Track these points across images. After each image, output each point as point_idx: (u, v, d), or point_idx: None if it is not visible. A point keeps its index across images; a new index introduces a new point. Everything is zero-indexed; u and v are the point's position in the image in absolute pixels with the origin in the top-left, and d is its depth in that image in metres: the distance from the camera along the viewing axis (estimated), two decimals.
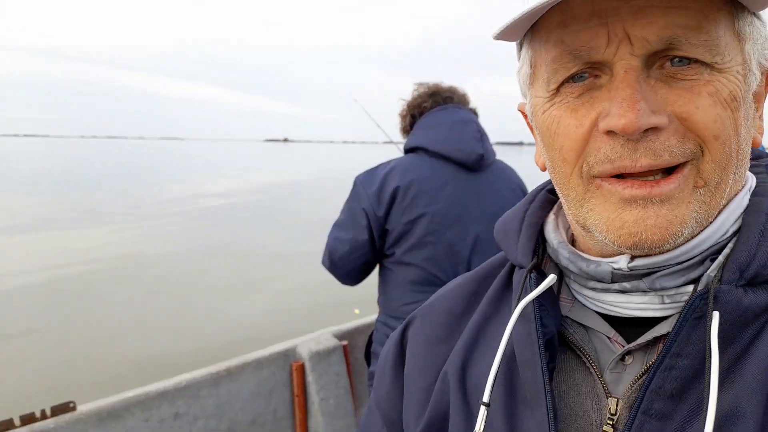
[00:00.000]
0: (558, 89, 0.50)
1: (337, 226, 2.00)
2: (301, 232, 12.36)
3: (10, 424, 2.01)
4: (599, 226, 0.49)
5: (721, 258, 0.50)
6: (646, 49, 0.45)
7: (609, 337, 0.54)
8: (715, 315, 0.45)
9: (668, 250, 0.50)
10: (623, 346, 0.53)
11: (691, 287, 0.50)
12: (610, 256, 0.53)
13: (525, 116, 0.60)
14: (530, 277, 0.57)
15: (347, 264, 1.97)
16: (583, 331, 0.56)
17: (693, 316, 0.47)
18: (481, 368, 0.59)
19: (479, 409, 0.54)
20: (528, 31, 0.51)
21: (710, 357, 0.44)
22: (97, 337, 6.13)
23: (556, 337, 0.55)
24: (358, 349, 2.84)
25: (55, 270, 8.92)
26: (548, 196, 0.64)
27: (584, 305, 0.57)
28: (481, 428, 0.54)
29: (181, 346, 5.84)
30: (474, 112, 2.03)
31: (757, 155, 0.60)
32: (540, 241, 0.62)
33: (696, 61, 0.45)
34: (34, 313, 6.86)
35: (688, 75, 0.46)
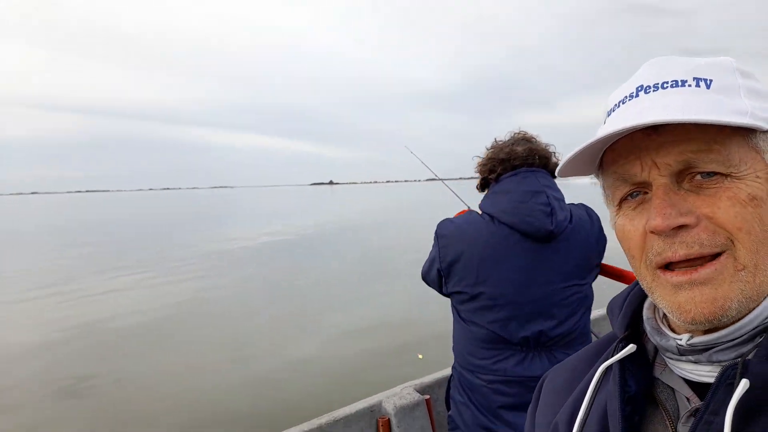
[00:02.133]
0: (620, 205, 0.65)
1: (428, 258, 2.04)
2: (353, 278, 12.44)
3: None
4: (666, 308, 0.61)
5: (765, 335, 0.59)
6: (669, 170, 0.59)
7: (688, 398, 0.63)
8: (743, 382, 0.54)
9: (725, 325, 0.60)
10: (696, 405, 0.63)
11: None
12: (689, 330, 0.64)
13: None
14: (619, 345, 0.71)
15: (437, 287, 2.04)
16: (669, 391, 0.66)
17: (726, 382, 0.56)
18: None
19: None
20: (599, 167, 0.69)
21: (725, 415, 0.54)
22: (178, 390, 6.21)
23: (640, 395, 0.66)
24: (439, 402, 2.90)
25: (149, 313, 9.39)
26: None
27: (672, 370, 0.67)
28: None
29: (264, 399, 5.85)
30: (552, 172, 1.93)
31: None
32: (640, 317, 0.74)
33: (716, 173, 0.58)
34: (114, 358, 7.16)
35: (711, 184, 0.58)
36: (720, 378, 0.57)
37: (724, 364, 0.60)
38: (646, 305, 0.73)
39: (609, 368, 0.72)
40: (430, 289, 2.08)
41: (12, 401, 6.00)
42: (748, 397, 0.54)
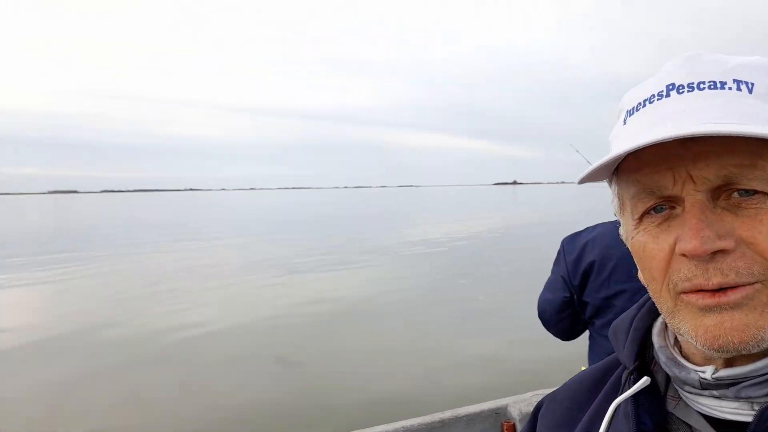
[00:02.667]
0: (641, 219, 0.57)
1: (546, 286, 2.03)
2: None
3: None
4: (689, 332, 0.54)
5: None
6: (707, 185, 0.51)
7: None
8: None
9: (756, 358, 0.53)
10: None
11: None
12: (709, 359, 0.57)
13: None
14: (631, 378, 0.63)
15: (557, 324, 2.00)
16: (686, 428, 0.59)
17: (766, 424, 0.51)
18: None
19: None
20: (614, 171, 0.60)
21: None
22: (337, 371, 6.98)
23: None
24: None
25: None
26: None
27: (687, 404, 0.60)
28: None
29: (403, 388, 6.33)
30: None
31: None
32: (648, 344, 0.67)
33: (758, 192, 0.51)
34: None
35: (752, 204, 0.51)
36: (759, 418, 0.51)
37: (757, 401, 0.53)
38: (655, 331, 0.65)
39: (610, 397, 0.66)
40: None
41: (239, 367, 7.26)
42: None
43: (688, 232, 0.51)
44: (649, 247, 0.56)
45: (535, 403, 2.49)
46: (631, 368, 0.64)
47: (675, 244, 0.53)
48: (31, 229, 36.02)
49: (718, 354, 0.53)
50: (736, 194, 0.52)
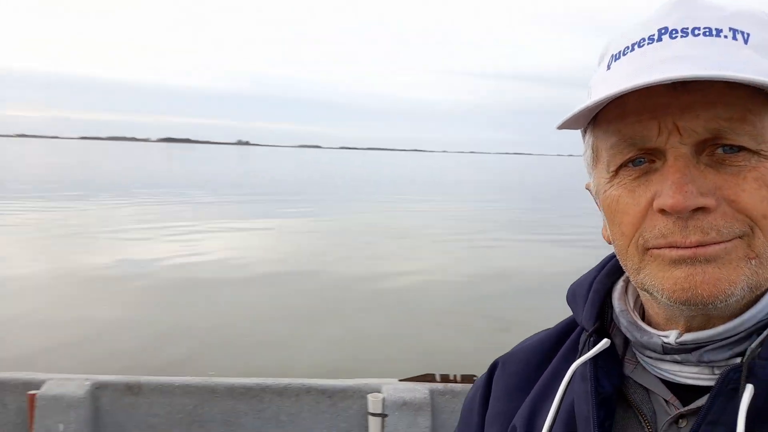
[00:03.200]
0: (617, 171, 0.55)
1: None
2: None
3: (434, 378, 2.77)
4: (655, 286, 0.53)
5: (765, 333, 0.50)
6: (693, 138, 0.50)
7: (666, 400, 0.57)
8: (749, 387, 0.48)
9: (718, 322, 0.53)
10: (679, 410, 0.54)
11: (738, 360, 0.51)
12: (671, 321, 0.56)
13: (591, 193, 0.63)
14: (590, 340, 0.63)
15: None
16: (643, 391, 0.59)
17: (728, 387, 0.49)
18: (544, 422, 0.64)
19: None
20: (591, 121, 0.58)
21: (730, 424, 0.47)
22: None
23: (614, 396, 0.59)
24: None
25: None
26: (618, 264, 0.64)
27: (645, 368, 0.60)
28: None
29: None
30: None
31: None
32: (607, 307, 0.65)
33: (743, 148, 0.49)
34: None
35: (736, 161, 0.50)
36: (722, 382, 0.50)
37: (718, 365, 0.52)
38: (616, 295, 0.63)
39: (570, 357, 0.66)
40: None
41: None
42: (754, 404, 0.48)
43: (671, 187, 0.49)
44: (623, 201, 0.55)
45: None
46: (590, 330, 0.64)
47: (652, 199, 0.52)
48: (289, 178, 42.66)
49: (683, 309, 0.53)
50: (720, 150, 0.50)
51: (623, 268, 0.59)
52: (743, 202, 0.50)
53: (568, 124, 0.57)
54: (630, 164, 0.54)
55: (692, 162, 0.50)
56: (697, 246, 0.50)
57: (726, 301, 0.50)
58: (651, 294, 0.55)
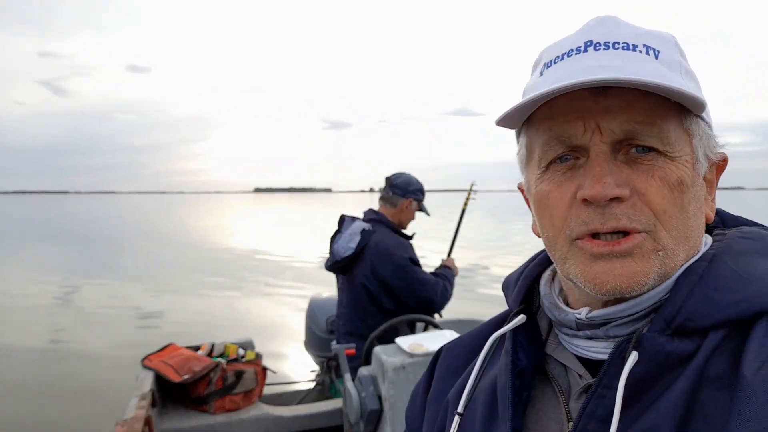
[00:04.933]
0: (548, 167, 0.62)
1: None
2: None
3: None
4: (578, 277, 0.60)
5: (659, 312, 0.58)
6: (612, 137, 0.57)
7: (580, 375, 0.63)
8: (633, 354, 0.55)
9: (631, 298, 0.59)
10: (587, 381, 0.61)
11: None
12: (590, 305, 0.62)
13: (522, 191, 0.70)
14: (511, 318, 0.70)
15: None
16: (561, 367, 0.66)
17: (620, 355, 0.56)
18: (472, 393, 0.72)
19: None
20: (525, 121, 0.65)
21: (617, 387, 0.53)
22: None
23: (530, 369, 0.67)
24: None
25: None
26: (548, 256, 0.71)
27: (565, 347, 0.67)
28: None
29: None
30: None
31: (743, 223, 0.70)
32: (536, 293, 0.73)
33: (653, 149, 0.57)
34: None
35: (646, 160, 0.57)
36: (614, 352, 0.57)
37: (619, 339, 0.59)
38: (543, 281, 0.70)
39: (501, 344, 0.71)
40: None
41: None
42: (639, 369, 0.55)
43: (592, 179, 0.57)
44: (552, 194, 0.61)
45: None
46: (515, 310, 0.71)
47: (576, 192, 0.59)
48: None
49: (606, 297, 0.59)
50: (634, 150, 0.58)
51: (551, 258, 0.66)
52: (650, 197, 0.57)
53: (505, 122, 0.64)
54: (558, 161, 0.61)
55: (611, 158, 0.58)
56: (613, 232, 0.57)
57: (640, 290, 0.57)
58: (574, 283, 0.62)
